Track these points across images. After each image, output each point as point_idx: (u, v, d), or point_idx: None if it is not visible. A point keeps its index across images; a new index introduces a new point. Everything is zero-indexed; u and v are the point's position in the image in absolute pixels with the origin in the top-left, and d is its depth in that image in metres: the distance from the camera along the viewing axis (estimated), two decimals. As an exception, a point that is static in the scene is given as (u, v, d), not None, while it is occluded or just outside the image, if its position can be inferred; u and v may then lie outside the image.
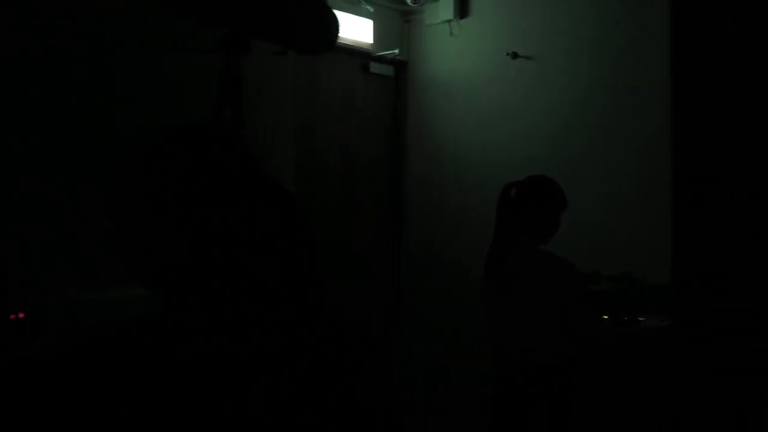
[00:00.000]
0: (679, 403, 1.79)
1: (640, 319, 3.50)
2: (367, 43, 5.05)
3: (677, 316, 1.93)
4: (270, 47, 2.55)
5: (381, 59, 5.19)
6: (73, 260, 3.27)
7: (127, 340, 1.00)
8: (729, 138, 1.82)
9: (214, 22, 2.36)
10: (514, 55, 4.70)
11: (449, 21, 5.03)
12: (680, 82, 1.86)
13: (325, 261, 1.13)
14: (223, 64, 2.39)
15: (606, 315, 3.55)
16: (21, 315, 2.86)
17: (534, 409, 2.97)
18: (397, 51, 5.19)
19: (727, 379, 1.73)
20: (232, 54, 2.39)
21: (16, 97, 3.34)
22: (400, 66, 5.33)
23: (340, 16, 3.06)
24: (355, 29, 4.89)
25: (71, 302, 2.98)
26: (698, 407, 1.75)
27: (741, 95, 1.78)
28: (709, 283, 1.82)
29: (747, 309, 1.82)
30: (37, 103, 3.41)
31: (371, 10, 4.99)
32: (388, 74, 5.29)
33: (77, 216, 3.39)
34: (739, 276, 1.79)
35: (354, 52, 4.98)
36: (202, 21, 2.33)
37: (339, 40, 3.41)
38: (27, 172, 3.33)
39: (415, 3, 5.02)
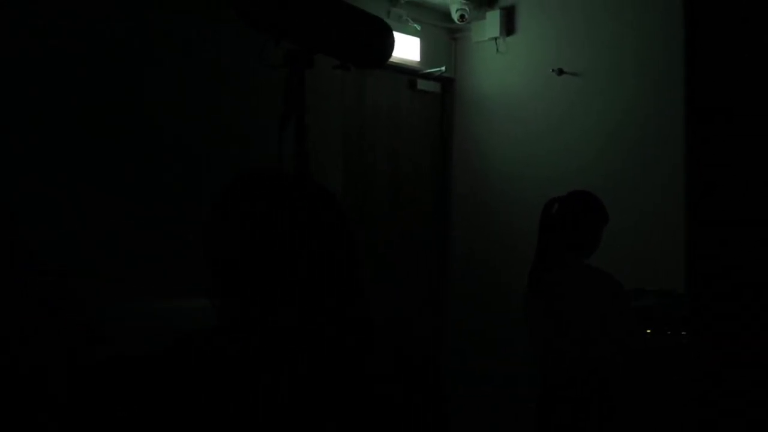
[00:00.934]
0: (707, 411, 1.82)
1: (683, 333, 3.51)
2: (415, 61, 5.15)
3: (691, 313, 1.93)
4: (329, 61, 2.62)
5: (428, 76, 5.28)
6: (134, 268, 3.39)
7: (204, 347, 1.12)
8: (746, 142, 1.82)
9: (284, 36, 2.44)
10: (560, 72, 4.76)
11: (496, 38, 5.10)
12: (696, 86, 1.87)
13: (364, 272, 1.22)
14: (289, 77, 2.47)
15: (649, 329, 3.57)
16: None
17: (576, 419, 3.01)
18: (443, 68, 5.28)
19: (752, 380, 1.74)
20: (296, 68, 2.47)
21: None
22: (447, 82, 5.42)
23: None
24: (403, 47, 4.99)
25: (130, 310, 3.09)
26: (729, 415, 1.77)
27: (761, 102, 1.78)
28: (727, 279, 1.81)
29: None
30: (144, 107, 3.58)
31: (418, 28, 5.09)
32: (435, 91, 5.38)
33: (139, 225, 3.53)
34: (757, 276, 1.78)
35: (401, 69, 5.09)
36: (274, 34, 2.42)
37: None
38: (93, 180, 3.48)
39: (461, 21, 5.09)
